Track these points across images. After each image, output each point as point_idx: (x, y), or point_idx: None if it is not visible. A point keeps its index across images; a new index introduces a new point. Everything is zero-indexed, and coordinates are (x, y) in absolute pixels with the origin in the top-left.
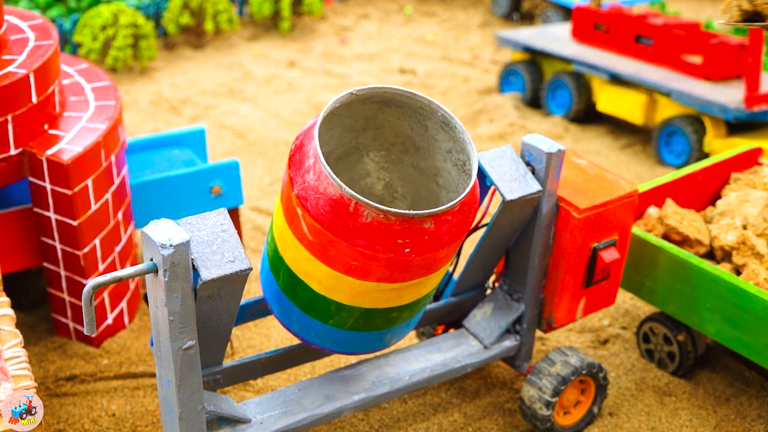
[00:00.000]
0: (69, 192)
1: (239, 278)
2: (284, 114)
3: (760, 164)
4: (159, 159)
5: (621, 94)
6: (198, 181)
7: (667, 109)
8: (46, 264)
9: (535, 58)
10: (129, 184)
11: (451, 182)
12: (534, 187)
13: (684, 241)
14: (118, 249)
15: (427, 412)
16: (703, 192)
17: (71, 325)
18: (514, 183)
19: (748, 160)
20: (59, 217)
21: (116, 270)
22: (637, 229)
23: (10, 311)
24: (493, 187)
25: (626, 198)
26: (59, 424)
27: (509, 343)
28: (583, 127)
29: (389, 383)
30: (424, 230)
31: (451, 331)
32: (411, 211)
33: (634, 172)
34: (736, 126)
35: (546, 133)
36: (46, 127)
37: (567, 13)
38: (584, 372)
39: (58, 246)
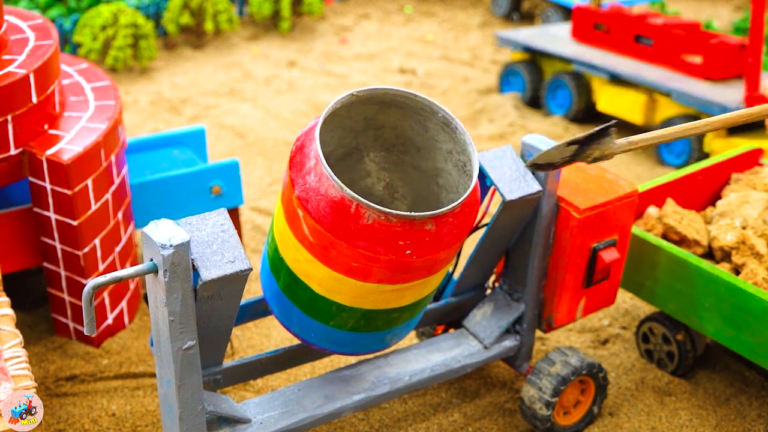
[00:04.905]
0: (69, 192)
1: (239, 278)
2: (284, 114)
3: (760, 165)
4: (159, 159)
5: (621, 94)
6: (198, 181)
7: (667, 109)
8: (46, 264)
9: (535, 58)
10: (129, 184)
11: (452, 183)
12: (534, 187)
13: (681, 241)
14: (118, 249)
15: (427, 412)
16: (703, 192)
17: (71, 325)
18: (514, 183)
19: (748, 161)
20: (59, 217)
21: (116, 270)
22: (637, 229)
23: (10, 311)
24: (493, 187)
25: (626, 198)
26: (59, 424)
27: (509, 343)
28: (583, 127)
29: (389, 383)
30: (425, 232)
31: (451, 331)
32: (412, 213)
33: (634, 172)
34: (736, 126)
35: (546, 133)
36: (46, 127)
37: (567, 13)
38: (584, 372)
39: (58, 246)
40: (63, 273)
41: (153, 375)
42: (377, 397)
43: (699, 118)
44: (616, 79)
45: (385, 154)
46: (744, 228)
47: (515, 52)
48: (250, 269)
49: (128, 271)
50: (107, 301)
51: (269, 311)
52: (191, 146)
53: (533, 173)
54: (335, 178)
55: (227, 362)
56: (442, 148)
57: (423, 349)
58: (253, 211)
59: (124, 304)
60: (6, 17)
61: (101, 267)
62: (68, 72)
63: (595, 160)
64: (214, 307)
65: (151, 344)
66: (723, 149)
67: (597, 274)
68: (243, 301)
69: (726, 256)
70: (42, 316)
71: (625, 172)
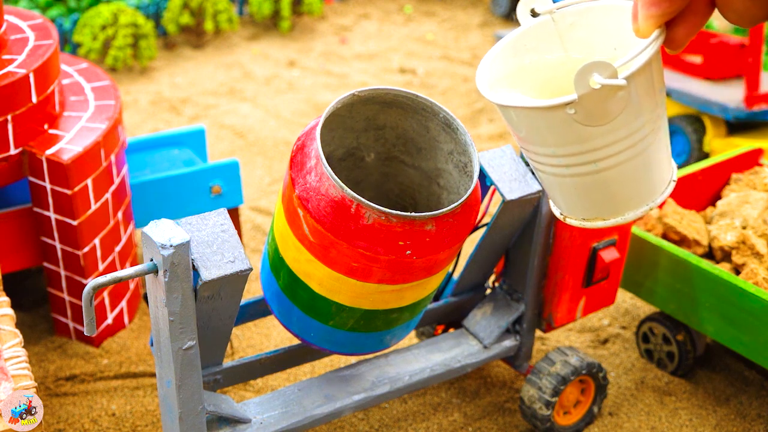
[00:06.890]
0: (69, 192)
1: (239, 278)
2: (284, 114)
3: (760, 165)
4: (159, 159)
5: None
6: (198, 181)
7: (667, 109)
8: (46, 264)
9: None
10: (129, 184)
11: (453, 184)
12: (534, 187)
13: (682, 241)
14: (118, 249)
15: (427, 412)
16: (703, 192)
17: (71, 324)
18: (514, 183)
19: (748, 161)
20: (59, 217)
21: (116, 270)
22: (636, 229)
23: (10, 311)
24: (493, 187)
25: None
26: (59, 423)
27: (509, 343)
28: None
29: (389, 383)
30: (426, 232)
31: (451, 330)
32: (412, 213)
33: None
34: (736, 126)
35: None
36: (46, 126)
37: None
38: (584, 372)
39: (58, 246)
40: (63, 273)
41: (153, 375)
42: (377, 397)
43: (699, 118)
44: None
45: (385, 154)
46: (744, 228)
47: None
48: (250, 269)
49: (128, 271)
50: (107, 301)
51: (269, 311)
52: (191, 146)
53: (532, 173)
54: (335, 177)
55: (227, 362)
56: (443, 149)
57: (423, 349)
58: (253, 211)
59: (124, 304)
60: (6, 17)
61: (101, 267)
62: (68, 72)
63: None
64: (214, 307)
65: (151, 344)
66: (723, 149)
67: (597, 274)
68: (243, 301)
69: (726, 256)
70: (42, 316)
71: None
